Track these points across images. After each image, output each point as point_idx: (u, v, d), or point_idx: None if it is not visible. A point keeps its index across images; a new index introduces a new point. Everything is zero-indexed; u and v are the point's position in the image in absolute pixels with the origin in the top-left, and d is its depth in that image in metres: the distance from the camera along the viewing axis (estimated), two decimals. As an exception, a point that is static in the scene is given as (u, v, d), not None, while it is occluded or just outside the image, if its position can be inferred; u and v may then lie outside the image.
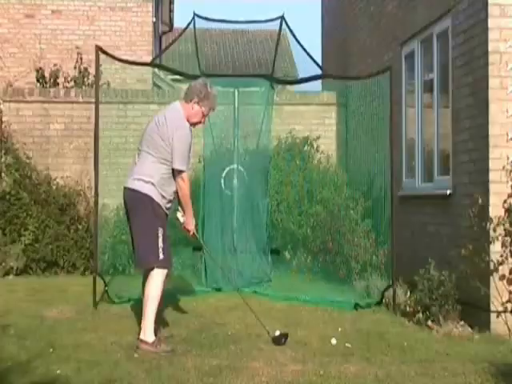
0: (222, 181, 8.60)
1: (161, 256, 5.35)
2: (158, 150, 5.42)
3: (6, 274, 9.30)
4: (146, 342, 5.26)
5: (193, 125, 5.64)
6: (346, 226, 8.39)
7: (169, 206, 5.56)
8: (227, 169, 8.61)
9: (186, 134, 5.49)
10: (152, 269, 5.36)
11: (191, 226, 5.71)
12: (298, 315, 6.67)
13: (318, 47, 13.71)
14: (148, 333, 5.29)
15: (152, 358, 5.02)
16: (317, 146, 10.34)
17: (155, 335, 5.32)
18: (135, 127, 10.07)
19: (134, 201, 5.46)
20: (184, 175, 5.46)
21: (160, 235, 5.37)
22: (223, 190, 8.58)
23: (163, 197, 5.45)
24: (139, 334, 5.38)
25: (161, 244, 5.36)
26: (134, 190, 5.45)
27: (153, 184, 5.40)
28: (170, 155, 5.40)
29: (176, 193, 5.55)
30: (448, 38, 7.10)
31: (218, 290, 8.00)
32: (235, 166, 8.61)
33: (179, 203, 5.67)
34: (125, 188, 5.55)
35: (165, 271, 5.39)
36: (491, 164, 6.10)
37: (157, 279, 5.35)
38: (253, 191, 8.73)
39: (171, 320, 6.18)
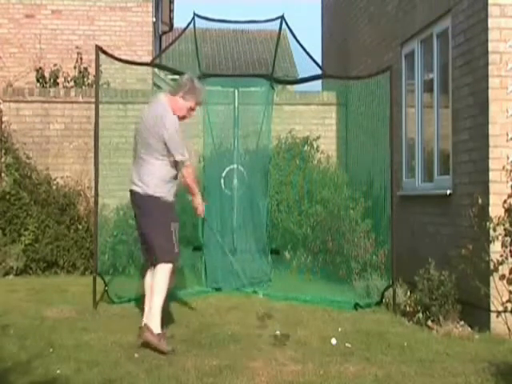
0: (222, 180, 8.60)
1: (176, 250, 5.56)
2: (157, 151, 5.51)
3: (6, 273, 9.30)
4: (151, 332, 5.28)
5: (179, 119, 5.69)
6: (346, 225, 8.39)
7: (173, 197, 5.70)
8: (227, 169, 8.61)
9: (173, 121, 5.54)
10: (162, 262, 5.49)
11: (201, 206, 5.99)
12: (298, 315, 6.67)
13: (318, 47, 13.73)
14: (154, 323, 5.33)
15: (152, 358, 5.02)
16: (317, 146, 10.33)
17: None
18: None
19: (145, 202, 5.57)
20: (188, 164, 5.64)
21: (173, 230, 5.56)
22: (223, 190, 8.58)
23: (169, 191, 5.59)
24: (139, 333, 5.39)
25: (175, 239, 5.55)
26: (142, 193, 5.56)
27: (158, 181, 5.52)
28: (165, 150, 5.50)
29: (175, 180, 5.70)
30: (448, 38, 7.10)
31: (218, 289, 8.00)
32: (235, 165, 8.60)
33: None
34: (132, 191, 5.65)
35: (172, 265, 5.54)
36: (491, 164, 6.10)
37: (167, 272, 5.47)
38: (253, 191, 8.72)
39: (171, 320, 6.18)
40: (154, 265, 5.55)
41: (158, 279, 5.45)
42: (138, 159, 5.63)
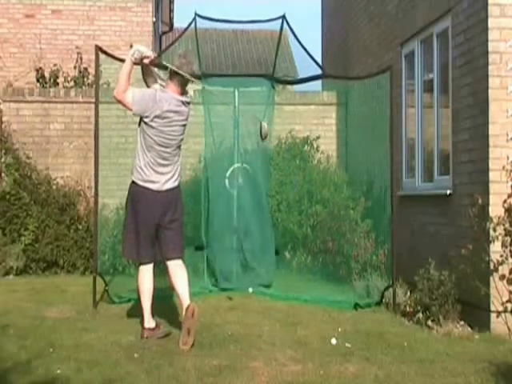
0: (227, 180, 8.55)
1: None
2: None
3: (6, 273, 9.31)
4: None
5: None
6: (346, 225, 8.39)
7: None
8: (232, 167, 8.56)
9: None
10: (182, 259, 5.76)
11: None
12: (298, 315, 6.67)
13: (318, 47, 13.73)
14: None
15: (152, 358, 5.03)
16: (317, 146, 10.34)
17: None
18: (135, 127, 10.00)
19: (180, 194, 5.80)
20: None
21: None
22: (227, 190, 8.53)
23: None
24: (141, 332, 5.54)
25: None
26: (177, 185, 5.75)
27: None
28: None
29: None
30: (448, 37, 7.10)
31: (220, 289, 7.99)
32: (240, 164, 8.57)
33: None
34: (164, 190, 5.66)
35: None
36: (491, 164, 6.10)
37: None
38: (256, 190, 8.69)
39: (171, 320, 6.17)
40: (163, 262, 5.70)
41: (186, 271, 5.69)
42: (168, 156, 5.70)
